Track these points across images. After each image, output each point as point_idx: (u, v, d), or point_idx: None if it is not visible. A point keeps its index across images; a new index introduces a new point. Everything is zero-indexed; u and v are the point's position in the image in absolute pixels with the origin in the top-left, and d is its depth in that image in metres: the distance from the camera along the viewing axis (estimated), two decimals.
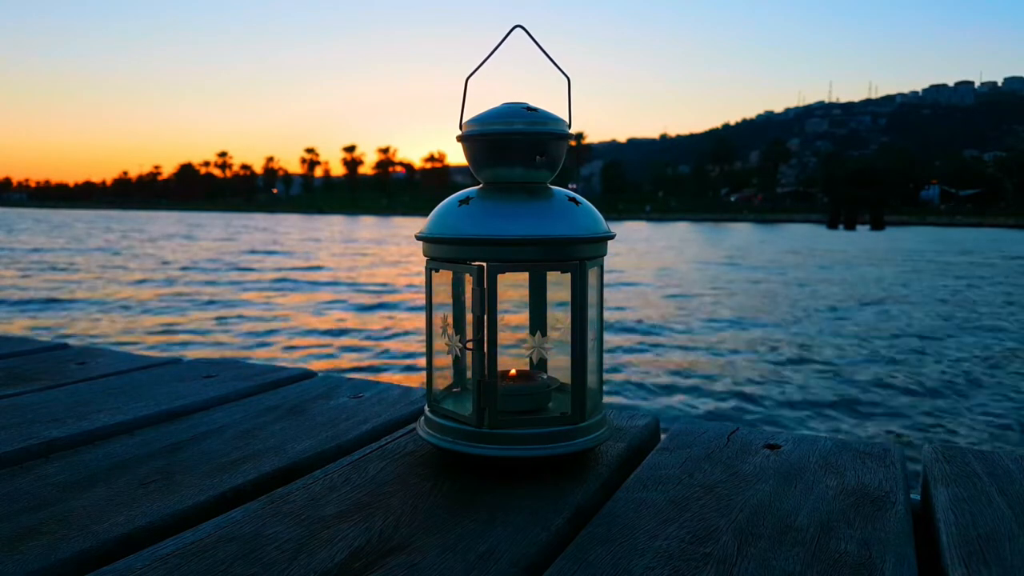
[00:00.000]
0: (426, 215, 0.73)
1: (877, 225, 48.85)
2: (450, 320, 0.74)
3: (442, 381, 0.77)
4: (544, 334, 0.75)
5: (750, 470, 0.70)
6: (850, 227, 47.78)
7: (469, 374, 0.71)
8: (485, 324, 0.66)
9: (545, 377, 0.76)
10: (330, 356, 6.65)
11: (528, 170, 0.70)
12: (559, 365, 0.76)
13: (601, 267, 0.72)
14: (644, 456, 0.74)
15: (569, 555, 0.53)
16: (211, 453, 0.73)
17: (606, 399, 0.81)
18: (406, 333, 7.77)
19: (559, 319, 0.74)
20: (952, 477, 0.68)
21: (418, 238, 0.71)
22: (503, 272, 0.66)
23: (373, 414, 0.87)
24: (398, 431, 0.81)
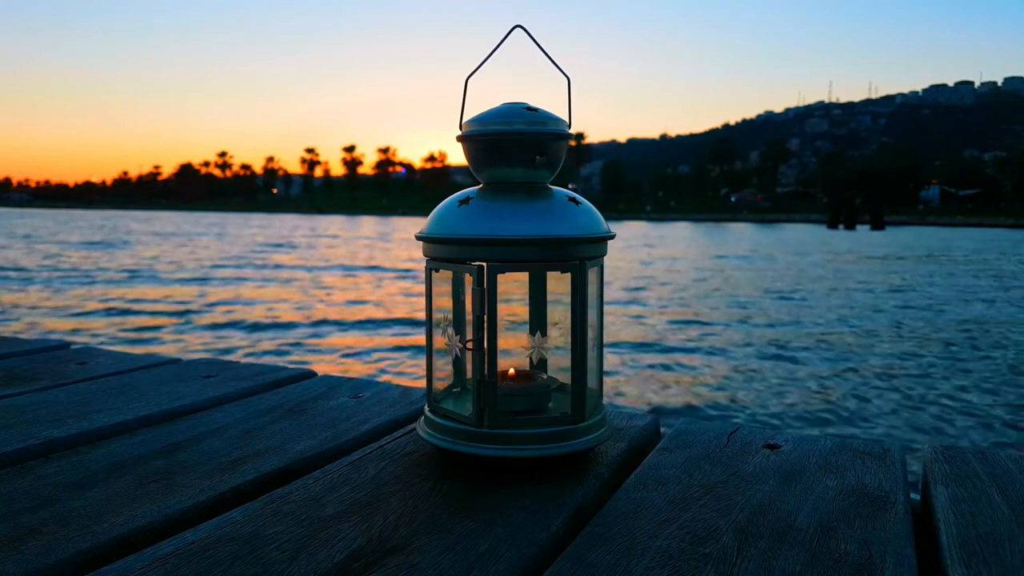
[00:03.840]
0: (426, 215, 0.73)
1: (877, 225, 48.85)
2: (450, 320, 0.74)
3: (442, 382, 0.77)
4: (544, 334, 0.75)
5: (750, 470, 0.70)
6: (850, 227, 47.79)
7: (469, 374, 0.71)
8: (485, 324, 0.66)
9: (545, 377, 0.76)
10: None
11: (528, 170, 0.70)
12: (559, 365, 0.76)
13: (601, 267, 0.72)
14: (644, 456, 0.74)
15: (569, 555, 0.53)
16: (211, 453, 0.73)
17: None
18: None
19: (559, 319, 0.74)
20: (952, 477, 0.68)
21: (418, 238, 0.71)
22: (503, 272, 0.66)
23: (373, 414, 0.87)
24: (398, 431, 0.81)
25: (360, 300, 10.25)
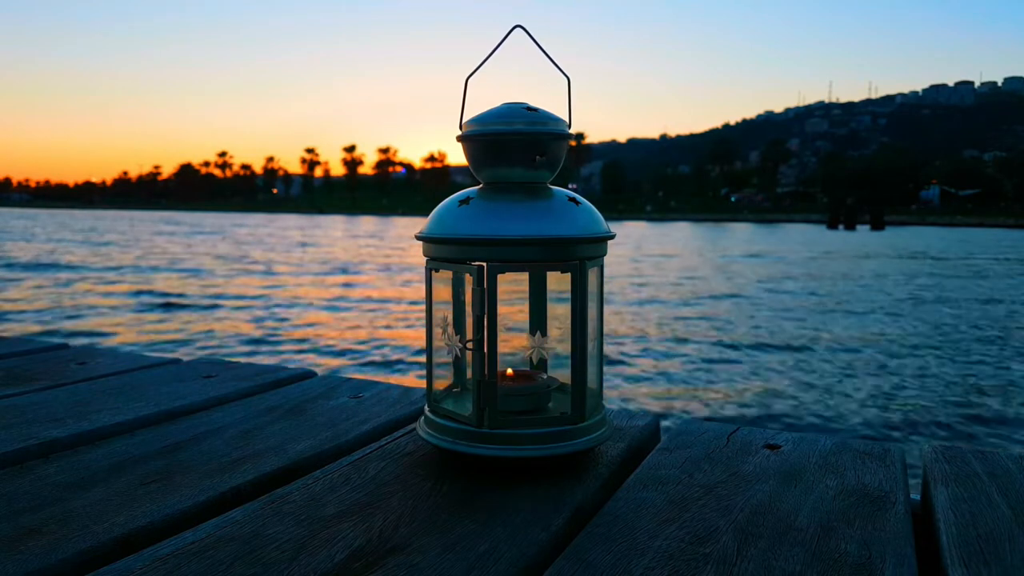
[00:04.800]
0: (426, 215, 0.73)
1: (877, 225, 48.86)
2: (450, 320, 0.73)
3: (442, 381, 0.77)
4: (544, 334, 0.75)
5: (750, 470, 0.70)
6: (850, 227, 47.80)
7: (469, 374, 0.71)
8: (485, 324, 0.66)
9: (545, 377, 0.76)
10: None
11: (528, 170, 0.70)
12: (559, 365, 0.76)
13: (601, 267, 0.72)
14: (644, 456, 0.74)
15: (569, 555, 0.53)
16: (211, 453, 0.73)
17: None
18: None
19: (559, 319, 0.74)
20: (952, 477, 0.68)
21: (418, 238, 0.71)
22: (503, 272, 0.66)
23: (373, 414, 0.87)
24: (398, 431, 0.81)
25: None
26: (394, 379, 5.81)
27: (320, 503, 0.62)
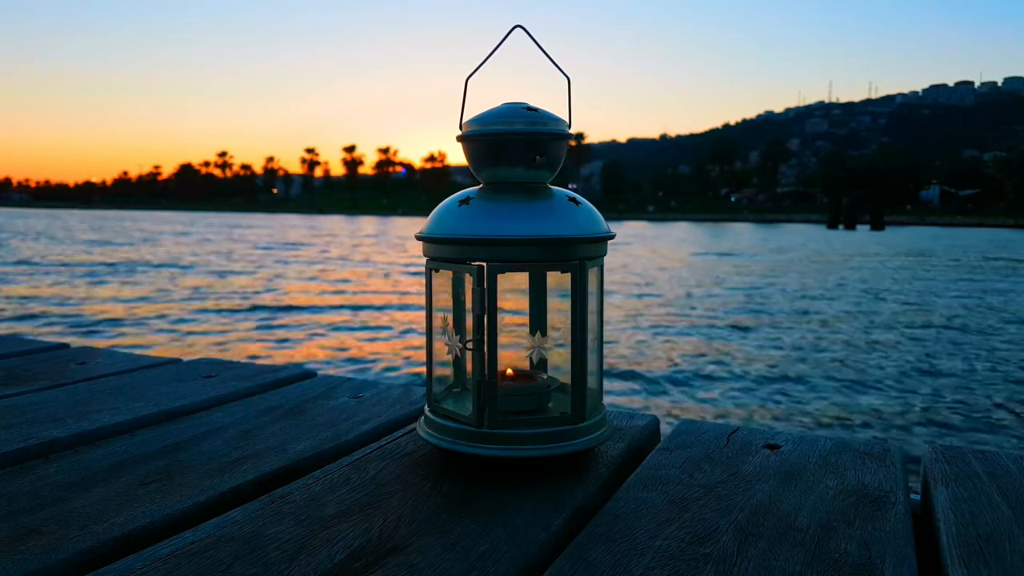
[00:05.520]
0: (426, 215, 0.73)
1: (877, 225, 48.87)
2: (450, 320, 0.73)
3: (442, 375, 0.77)
4: (544, 334, 0.75)
5: (750, 470, 0.70)
6: (850, 227, 47.82)
7: (469, 374, 0.71)
8: (485, 324, 0.66)
9: (545, 377, 0.76)
10: None
11: (528, 170, 0.70)
12: (559, 365, 0.76)
13: (601, 267, 0.72)
14: (644, 456, 0.74)
15: (569, 555, 0.53)
16: (211, 453, 0.73)
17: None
18: None
19: (559, 319, 0.74)
20: (952, 477, 0.68)
21: (418, 238, 0.71)
22: (503, 272, 0.66)
23: (373, 414, 0.87)
24: (398, 431, 0.81)
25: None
26: (393, 375, 5.86)
27: (320, 503, 0.62)
